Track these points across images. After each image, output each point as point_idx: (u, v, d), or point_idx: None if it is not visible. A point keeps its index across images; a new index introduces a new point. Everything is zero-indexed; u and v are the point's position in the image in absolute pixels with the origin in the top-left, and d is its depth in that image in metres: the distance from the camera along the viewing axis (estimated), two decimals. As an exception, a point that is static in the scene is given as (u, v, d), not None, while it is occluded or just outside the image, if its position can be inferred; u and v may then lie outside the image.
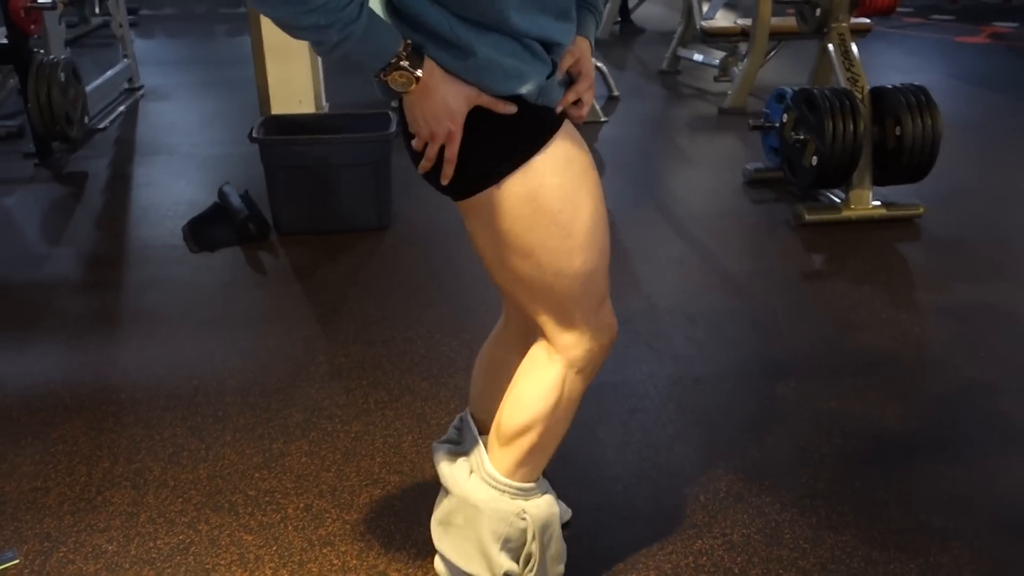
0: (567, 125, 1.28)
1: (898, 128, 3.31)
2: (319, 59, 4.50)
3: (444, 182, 1.25)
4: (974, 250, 3.24)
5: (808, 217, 3.44)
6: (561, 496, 1.72)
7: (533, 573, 1.49)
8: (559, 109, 1.26)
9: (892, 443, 2.11)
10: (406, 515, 1.87)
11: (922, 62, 6.61)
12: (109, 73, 5.23)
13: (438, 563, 1.66)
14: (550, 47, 1.22)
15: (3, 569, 1.72)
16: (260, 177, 3.35)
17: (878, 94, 3.43)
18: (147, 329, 2.67)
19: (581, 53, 1.30)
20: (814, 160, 3.34)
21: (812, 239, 3.35)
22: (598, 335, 1.39)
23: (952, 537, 1.80)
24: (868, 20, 5.04)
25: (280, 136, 3.37)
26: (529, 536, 1.46)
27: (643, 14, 8.35)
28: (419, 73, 1.15)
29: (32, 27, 4.12)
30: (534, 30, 1.17)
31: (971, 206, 3.68)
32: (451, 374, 2.41)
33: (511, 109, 1.20)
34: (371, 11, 1.11)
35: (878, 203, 3.47)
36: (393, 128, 3.29)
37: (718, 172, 4.12)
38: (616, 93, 5.45)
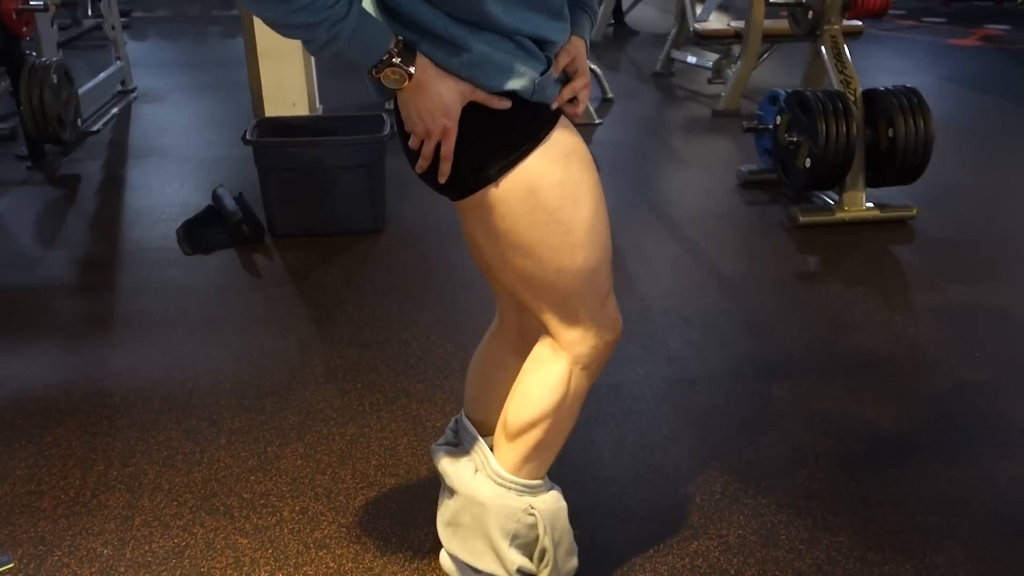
0: (564, 122, 1.28)
1: (891, 130, 3.32)
2: (313, 61, 4.50)
3: (441, 180, 1.25)
4: (967, 251, 3.25)
5: (802, 219, 3.45)
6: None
7: (548, 568, 1.49)
8: (555, 105, 1.26)
9: (887, 444, 2.12)
10: (402, 518, 1.86)
11: (914, 64, 6.64)
12: (102, 75, 5.21)
13: (444, 562, 1.66)
14: (543, 44, 1.22)
15: (-3, 573, 1.72)
16: (254, 179, 3.35)
17: (871, 96, 3.44)
18: (141, 332, 2.66)
19: (577, 52, 1.30)
20: (807, 162, 3.35)
21: (806, 240, 3.36)
22: (603, 331, 1.39)
23: (947, 537, 1.81)
24: (860, 22, 5.06)
25: (274, 138, 3.36)
26: (541, 531, 1.46)
27: (637, 16, 8.37)
28: (411, 69, 1.15)
29: (24, 29, 4.11)
30: (525, 28, 1.18)
31: (964, 207, 3.70)
32: (446, 376, 2.41)
33: (505, 105, 1.20)
34: (361, 9, 1.12)
35: (871, 205, 3.48)
36: (387, 130, 3.29)
37: (712, 174, 4.13)
38: (610, 95, 5.46)
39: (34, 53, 4.26)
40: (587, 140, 4.82)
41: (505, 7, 1.14)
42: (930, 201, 3.61)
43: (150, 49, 7.36)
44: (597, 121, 4.95)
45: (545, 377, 1.40)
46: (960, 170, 4.11)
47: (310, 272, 3.07)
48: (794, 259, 3.23)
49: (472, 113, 1.20)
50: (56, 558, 1.76)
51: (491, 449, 1.50)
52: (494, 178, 1.23)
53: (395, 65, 1.15)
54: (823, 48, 3.65)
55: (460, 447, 1.58)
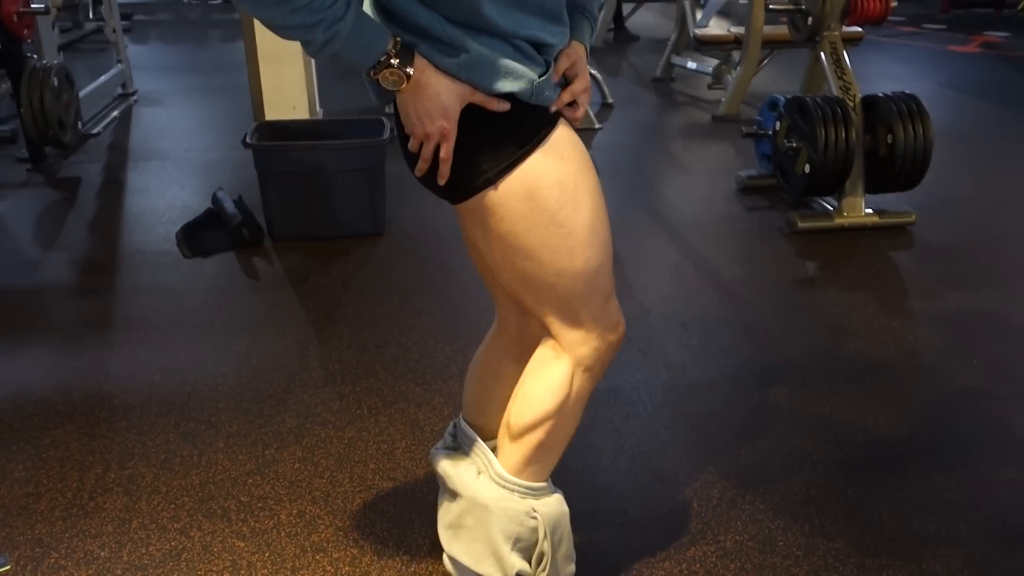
0: (563, 125, 1.28)
1: (890, 136, 3.32)
2: (313, 65, 4.50)
3: (441, 182, 1.26)
4: (966, 257, 3.25)
5: (801, 224, 3.45)
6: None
7: (546, 573, 1.49)
8: (554, 109, 1.26)
9: (885, 449, 2.12)
10: (399, 521, 1.86)
11: (914, 71, 6.65)
12: (103, 78, 5.22)
13: (448, 565, 1.66)
14: (541, 47, 1.22)
15: (-6, 575, 1.71)
16: (254, 183, 3.35)
17: (870, 102, 3.45)
18: (140, 334, 2.66)
19: (577, 57, 1.31)
20: (807, 168, 3.36)
21: (805, 246, 3.36)
22: (605, 333, 1.39)
23: (945, 543, 1.80)
24: (860, 29, 5.07)
25: (274, 142, 3.37)
26: (540, 535, 1.46)
27: (637, 22, 8.39)
28: (410, 70, 1.16)
29: (25, 32, 4.12)
30: (522, 31, 1.18)
31: (963, 213, 3.70)
32: (445, 380, 2.41)
33: (504, 106, 1.20)
34: (359, 10, 1.12)
35: (870, 211, 3.48)
36: (387, 134, 3.29)
37: (711, 179, 4.14)
38: (610, 100, 5.47)
39: (35, 56, 4.26)
40: (587, 145, 4.83)
41: (500, 10, 1.15)
42: (929, 207, 3.61)
43: (151, 52, 7.38)
44: (597, 126, 4.96)
45: (547, 378, 1.40)
46: (959, 177, 4.11)
47: (309, 275, 3.07)
48: (793, 265, 3.23)
49: (471, 115, 1.20)
50: (53, 560, 1.76)
51: (494, 452, 1.51)
52: (493, 180, 1.23)
53: (393, 66, 1.15)
54: (823, 54, 3.66)
55: (460, 451, 1.58)
